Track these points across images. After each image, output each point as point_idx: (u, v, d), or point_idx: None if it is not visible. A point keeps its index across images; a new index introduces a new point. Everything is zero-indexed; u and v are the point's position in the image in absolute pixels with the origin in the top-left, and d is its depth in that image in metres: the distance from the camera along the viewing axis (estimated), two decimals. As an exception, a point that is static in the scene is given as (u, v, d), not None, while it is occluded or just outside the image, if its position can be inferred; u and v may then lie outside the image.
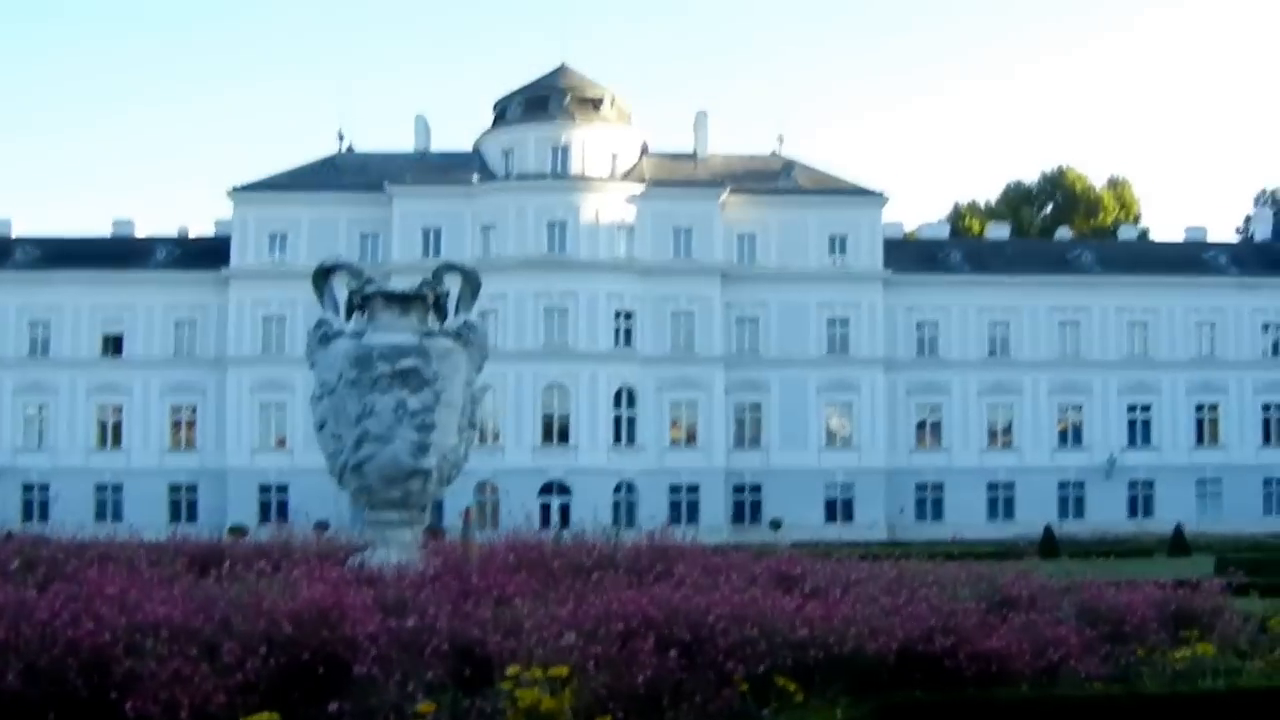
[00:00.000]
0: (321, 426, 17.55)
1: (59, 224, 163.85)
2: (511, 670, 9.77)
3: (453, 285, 17.88)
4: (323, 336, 17.73)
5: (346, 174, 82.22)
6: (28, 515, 71.47)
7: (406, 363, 17.07)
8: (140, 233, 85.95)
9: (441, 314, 17.99)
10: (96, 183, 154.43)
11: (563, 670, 9.79)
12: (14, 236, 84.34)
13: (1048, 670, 11.68)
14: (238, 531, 65.25)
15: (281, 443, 78.91)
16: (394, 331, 17.36)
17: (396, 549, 16.98)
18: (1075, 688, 11.53)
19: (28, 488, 77.97)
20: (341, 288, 17.87)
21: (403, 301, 17.70)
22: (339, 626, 10.87)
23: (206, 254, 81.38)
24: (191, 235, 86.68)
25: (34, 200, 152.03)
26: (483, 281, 17.92)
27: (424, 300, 17.76)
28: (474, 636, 10.60)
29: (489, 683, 10.10)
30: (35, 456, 79.40)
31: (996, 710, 10.93)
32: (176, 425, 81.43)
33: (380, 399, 17.01)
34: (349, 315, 17.90)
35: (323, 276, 17.94)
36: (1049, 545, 51.15)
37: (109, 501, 77.65)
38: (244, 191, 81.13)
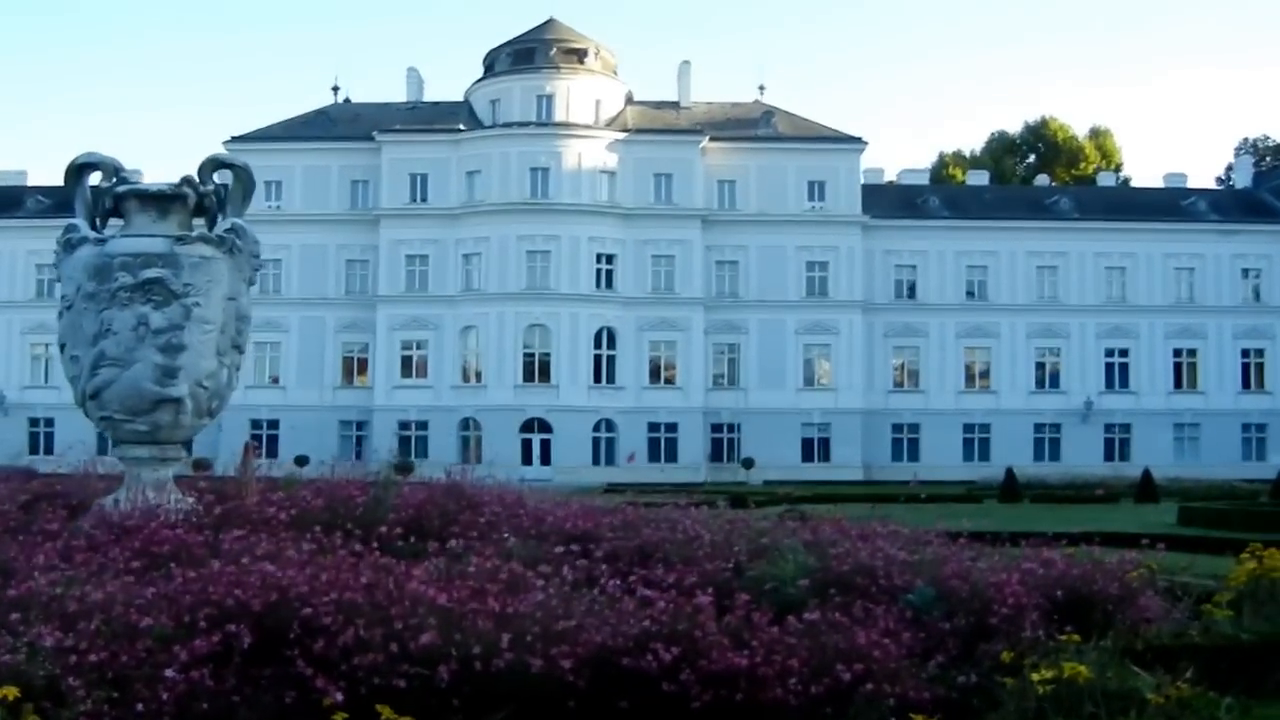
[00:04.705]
0: (63, 347, 14.08)
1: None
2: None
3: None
4: (67, 243, 14.21)
5: (339, 124, 79.56)
6: (34, 449, 71.04)
7: (150, 272, 13.52)
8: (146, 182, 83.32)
9: (212, 219, 14.28)
10: (108, 136, 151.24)
11: (11, 691, 6.01)
12: (28, 185, 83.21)
13: (836, 697, 7.49)
14: (201, 465, 62.44)
15: (275, 380, 76.95)
16: (143, 237, 13.66)
17: (148, 490, 13.41)
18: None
19: (34, 422, 76.65)
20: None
21: (160, 202, 14.02)
22: None
23: (208, 202, 78.55)
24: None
25: (49, 154, 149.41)
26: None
27: (184, 200, 14.07)
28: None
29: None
30: (41, 394, 77.42)
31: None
32: (174, 362, 78.85)
33: (119, 315, 13.49)
34: (105, 220, 14.24)
35: (74, 175, 14.24)
36: (1010, 489, 47.36)
37: (109, 437, 75.50)
38: (240, 141, 78.07)
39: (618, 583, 8.11)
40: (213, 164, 14.44)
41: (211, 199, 14.24)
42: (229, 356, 14.13)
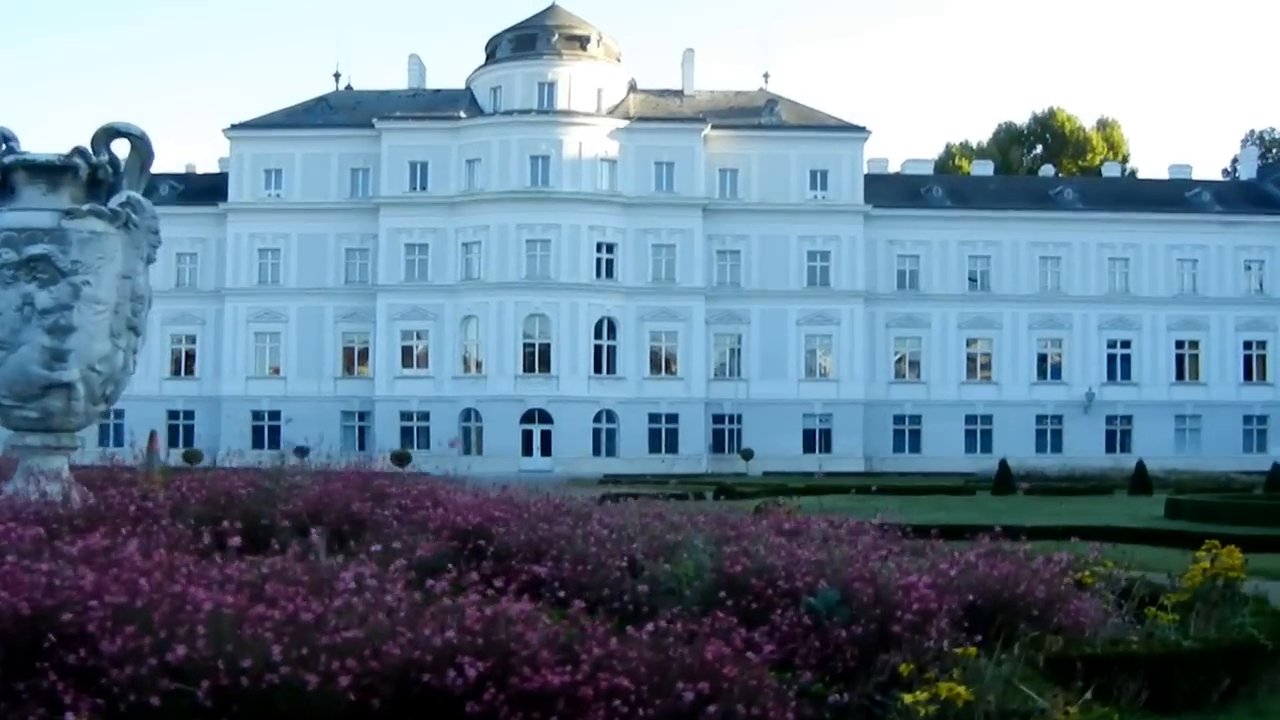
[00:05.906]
0: (-51, 330, 13.04)
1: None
2: None
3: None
4: (-50, 220, 13.12)
5: (340, 112, 78.30)
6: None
7: (35, 249, 12.69)
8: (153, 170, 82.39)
9: (109, 192, 13.31)
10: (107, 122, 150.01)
11: None
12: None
13: (678, 719, 6.30)
14: (192, 456, 61.75)
15: (275, 370, 76.34)
16: (28, 211, 12.74)
17: (40, 480, 12.52)
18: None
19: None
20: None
21: (49, 174, 13.07)
22: None
23: (208, 190, 78.15)
24: (200, 172, 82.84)
25: (45, 139, 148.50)
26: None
27: (75, 172, 13.10)
28: None
29: None
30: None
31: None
32: (176, 354, 77.46)
33: (3, 294, 12.78)
34: (-2, 193, 13.32)
35: (-37, 147, 13.32)
36: (1003, 481, 46.22)
37: (110, 427, 74.32)
38: (240, 129, 77.59)
39: (444, 585, 7.03)
40: (108, 133, 13.48)
41: (106, 170, 13.33)
42: (124, 339, 13.28)
